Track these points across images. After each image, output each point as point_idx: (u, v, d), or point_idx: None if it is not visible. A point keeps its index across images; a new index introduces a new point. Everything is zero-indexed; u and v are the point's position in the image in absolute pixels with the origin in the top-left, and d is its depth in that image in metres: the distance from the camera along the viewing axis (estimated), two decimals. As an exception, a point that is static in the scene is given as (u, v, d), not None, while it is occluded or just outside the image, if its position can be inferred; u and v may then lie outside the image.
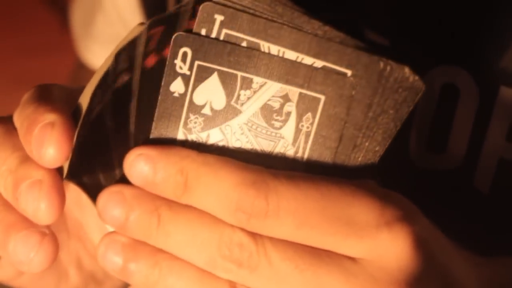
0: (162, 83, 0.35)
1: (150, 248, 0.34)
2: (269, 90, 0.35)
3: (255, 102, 0.35)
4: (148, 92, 0.35)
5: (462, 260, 0.37)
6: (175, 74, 0.34)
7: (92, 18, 0.70)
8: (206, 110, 0.35)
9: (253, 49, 0.34)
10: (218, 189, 0.33)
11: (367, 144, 0.35)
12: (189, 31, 0.34)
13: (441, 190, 0.47)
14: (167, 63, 0.34)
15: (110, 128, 0.35)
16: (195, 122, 0.35)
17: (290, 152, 0.35)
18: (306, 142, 0.35)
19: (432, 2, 0.46)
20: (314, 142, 0.35)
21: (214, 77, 0.35)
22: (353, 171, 0.36)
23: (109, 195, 0.34)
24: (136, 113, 0.35)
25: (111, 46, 0.35)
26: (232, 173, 0.33)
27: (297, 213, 0.33)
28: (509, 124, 0.44)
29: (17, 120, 0.37)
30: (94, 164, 0.36)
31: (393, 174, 0.41)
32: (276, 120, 0.35)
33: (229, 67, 0.34)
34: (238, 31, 0.34)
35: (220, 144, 0.35)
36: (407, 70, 0.35)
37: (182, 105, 0.35)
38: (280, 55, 0.35)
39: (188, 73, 0.34)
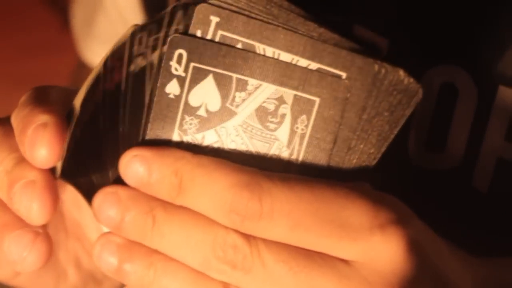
0: (158, 85, 0.35)
1: (145, 249, 0.35)
2: (264, 92, 0.35)
3: (250, 104, 0.35)
4: (135, 95, 0.35)
5: (457, 262, 0.37)
6: (171, 76, 0.35)
7: (92, 18, 0.70)
8: (202, 112, 0.35)
9: (248, 51, 0.34)
10: (212, 190, 0.33)
11: (361, 146, 0.35)
12: (185, 33, 0.34)
13: (439, 190, 0.46)
14: (162, 64, 0.34)
15: (103, 129, 0.36)
16: (191, 124, 0.35)
17: (284, 154, 0.36)
18: (300, 144, 0.35)
19: (431, 2, 0.46)
20: (309, 144, 0.35)
21: (210, 79, 0.35)
22: (348, 173, 0.36)
23: (105, 195, 0.34)
24: (125, 115, 0.35)
25: (112, 46, 0.36)
26: (226, 175, 0.34)
27: (290, 215, 0.33)
28: (508, 124, 0.44)
29: (14, 121, 0.37)
30: (87, 165, 0.36)
31: (392, 174, 0.41)
32: (271, 122, 0.35)
33: (224, 69, 0.34)
34: (233, 32, 0.34)
35: (215, 145, 0.35)
36: (402, 72, 0.35)
37: (178, 107, 0.35)
38: (275, 57, 0.35)
39: (183, 74, 0.35)
